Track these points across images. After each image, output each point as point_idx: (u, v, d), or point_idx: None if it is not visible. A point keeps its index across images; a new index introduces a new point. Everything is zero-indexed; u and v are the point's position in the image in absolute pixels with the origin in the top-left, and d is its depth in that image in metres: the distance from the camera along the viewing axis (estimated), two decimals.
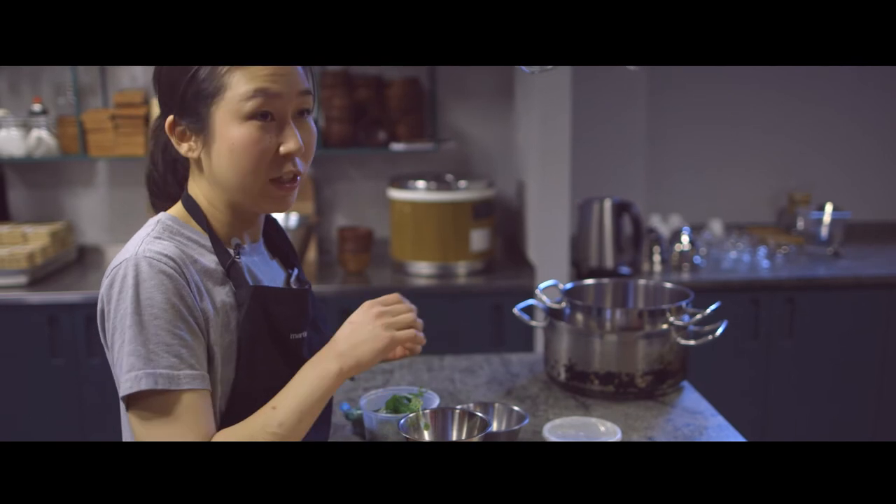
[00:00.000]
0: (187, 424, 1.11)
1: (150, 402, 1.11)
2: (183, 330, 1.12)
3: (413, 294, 2.98)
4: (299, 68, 1.20)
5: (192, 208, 1.24)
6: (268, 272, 1.31)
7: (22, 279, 2.97)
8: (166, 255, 1.14)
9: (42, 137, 3.19)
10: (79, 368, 2.89)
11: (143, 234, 1.20)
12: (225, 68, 1.15)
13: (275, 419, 1.15)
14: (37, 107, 3.24)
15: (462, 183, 3.07)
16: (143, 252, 1.14)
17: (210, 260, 1.21)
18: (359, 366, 1.19)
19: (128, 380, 1.10)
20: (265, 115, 1.16)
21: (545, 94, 2.94)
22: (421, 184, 3.06)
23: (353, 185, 3.55)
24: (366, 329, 1.21)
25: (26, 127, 3.21)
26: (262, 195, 1.20)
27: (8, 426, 2.93)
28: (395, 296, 1.29)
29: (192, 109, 1.18)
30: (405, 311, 1.26)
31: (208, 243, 1.22)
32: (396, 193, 3.11)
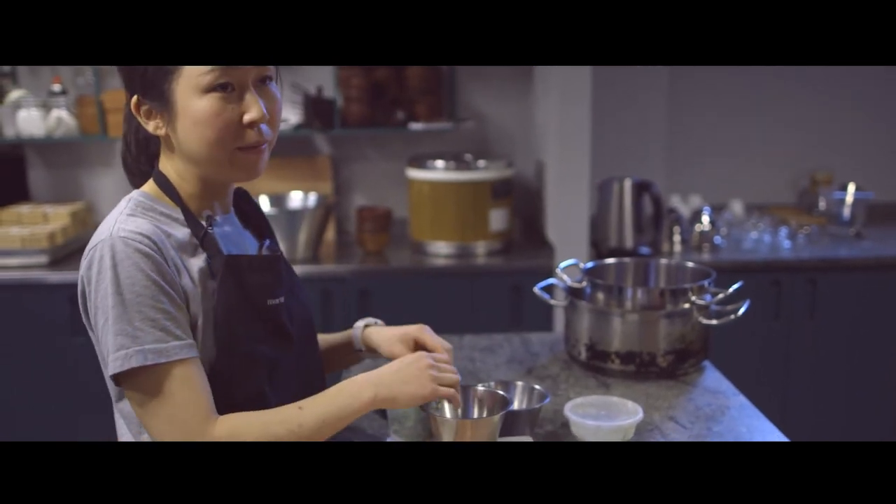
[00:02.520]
0: (184, 397, 1.14)
1: (143, 378, 1.14)
2: (165, 303, 1.15)
3: (432, 274, 2.99)
4: None
5: (164, 184, 1.27)
6: (240, 242, 1.34)
7: (43, 259, 2.99)
8: (141, 234, 1.16)
9: (62, 117, 3.19)
10: None
11: (116, 213, 1.22)
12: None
13: (297, 418, 1.19)
14: (56, 87, 3.25)
15: (481, 163, 3.05)
16: (117, 232, 1.16)
17: (184, 233, 1.24)
18: (393, 401, 1.25)
19: (117, 358, 1.12)
20: (225, 86, 1.18)
21: (565, 74, 2.91)
22: (440, 163, 3.05)
23: (371, 164, 3.54)
24: (413, 372, 1.27)
25: (46, 107, 3.21)
26: (231, 164, 1.23)
27: (30, 405, 2.96)
28: (446, 356, 1.38)
29: (153, 87, 1.20)
30: (452, 372, 1.32)
31: (181, 217, 1.25)
32: (415, 173, 3.10)
